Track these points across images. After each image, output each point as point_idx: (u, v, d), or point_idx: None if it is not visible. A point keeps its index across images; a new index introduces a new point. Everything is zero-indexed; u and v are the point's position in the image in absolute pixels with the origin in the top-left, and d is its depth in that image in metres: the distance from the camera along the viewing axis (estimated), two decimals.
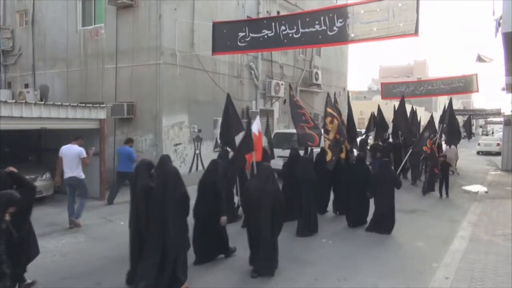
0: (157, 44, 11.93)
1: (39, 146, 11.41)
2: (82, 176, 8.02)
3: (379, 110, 16.29)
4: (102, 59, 13.03)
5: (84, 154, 8.03)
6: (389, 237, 7.94)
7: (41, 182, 9.74)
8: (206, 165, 11.20)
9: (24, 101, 9.19)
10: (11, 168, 4.67)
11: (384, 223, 8.06)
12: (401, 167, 12.02)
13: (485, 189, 13.66)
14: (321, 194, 8.82)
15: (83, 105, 10.13)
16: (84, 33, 13.54)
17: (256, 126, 8.76)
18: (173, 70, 12.16)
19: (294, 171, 8.08)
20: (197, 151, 13.24)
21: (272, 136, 14.54)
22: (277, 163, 13.70)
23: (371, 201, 8.35)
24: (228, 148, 8.83)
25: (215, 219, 5.92)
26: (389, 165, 8.67)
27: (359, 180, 8.41)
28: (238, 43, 9.49)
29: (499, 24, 8.09)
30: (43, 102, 9.32)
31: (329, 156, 8.83)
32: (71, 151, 7.94)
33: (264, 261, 5.67)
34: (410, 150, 12.12)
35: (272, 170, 5.96)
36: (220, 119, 13.83)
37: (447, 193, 12.23)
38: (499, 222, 9.16)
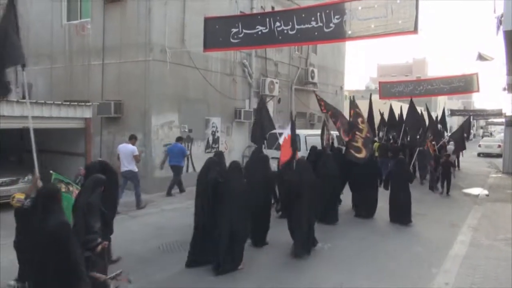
0: (146, 40, 11.89)
1: (21, 147, 11.30)
2: (136, 169, 10.03)
3: (391, 110, 17.32)
4: (88, 56, 12.96)
5: (137, 152, 10.02)
6: (387, 241, 8.00)
7: (23, 184, 9.60)
8: (197, 167, 11.49)
9: (5, 99, 9.10)
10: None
11: (404, 215, 9.35)
12: (411, 165, 12.90)
13: (486, 192, 13.79)
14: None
15: (68, 103, 10.06)
16: (70, 28, 13.45)
17: (287, 131, 9.47)
18: (162, 67, 12.12)
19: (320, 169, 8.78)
20: (188, 152, 13.20)
21: (267, 136, 14.55)
22: (271, 165, 13.74)
23: (380, 196, 9.88)
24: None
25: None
26: (404, 162, 10.19)
27: (369, 175, 9.77)
28: (231, 40, 9.47)
29: (500, 22, 8.17)
30: (25, 100, 9.24)
31: (363, 153, 9.89)
32: (126, 149, 9.93)
33: (301, 243, 6.87)
34: (418, 149, 13.36)
35: (308, 164, 7.49)
36: (212, 119, 14.04)
37: (447, 191, 13.11)
38: (500, 226, 9.25)
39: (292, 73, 18.50)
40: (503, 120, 29.04)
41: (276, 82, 16.60)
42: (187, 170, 13.18)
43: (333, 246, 7.52)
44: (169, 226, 8.72)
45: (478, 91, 17.40)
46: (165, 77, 12.28)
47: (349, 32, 8.30)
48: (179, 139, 11.99)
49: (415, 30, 7.63)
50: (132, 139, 10.18)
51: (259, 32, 9.21)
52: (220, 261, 6.06)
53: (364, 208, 9.84)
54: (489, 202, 12.19)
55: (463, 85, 17.43)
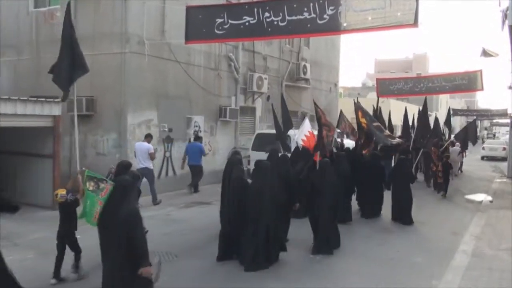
0: (122, 30, 11.82)
1: None
2: (151, 167, 11.20)
3: (406, 113, 18.09)
4: (58, 47, 12.75)
5: (152, 150, 11.18)
6: (384, 251, 8.06)
7: None
8: (178, 170, 11.40)
9: None
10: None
11: (405, 215, 10.21)
12: (414, 166, 13.66)
13: (489, 198, 13.97)
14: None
15: (35, 99, 9.93)
16: (37, 15, 13.28)
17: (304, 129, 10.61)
18: (140, 60, 12.08)
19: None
20: (167, 154, 13.19)
21: (254, 137, 14.61)
22: None
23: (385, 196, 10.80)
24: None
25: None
26: (406, 162, 11.09)
27: (374, 175, 10.61)
28: (216, 31, 9.45)
29: (505, 16, 8.32)
30: None
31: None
32: (142, 147, 11.11)
33: (323, 241, 7.66)
34: (422, 151, 14.09)
35: (330, 164, 8.24)
36: (194, 117, 14.02)
37: (445, 193, 13.91)
38: (504, 235, 9.37)
39: (282, 68, 18.57)
40: (508, 121, 29.49)
41: (265, 78, 16.66)
42: (166, 174, 13.14)
43: (324, 257, 7.55)
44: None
45: (482, 89, 17.64)
46: (143, 71, 12.23)
47: (345, 25, 8.35)
48: (197, 138, 13.32)
49: (415, 23, 7.71)
50: (148, 137, 11.39)
51: (247, 23, 9.20)
52: (251, 258, 6.71)
53: (370, 208, 10.73)
54: (493, 209, 12.33)
55: (466, 83, 17.65)
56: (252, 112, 17.28)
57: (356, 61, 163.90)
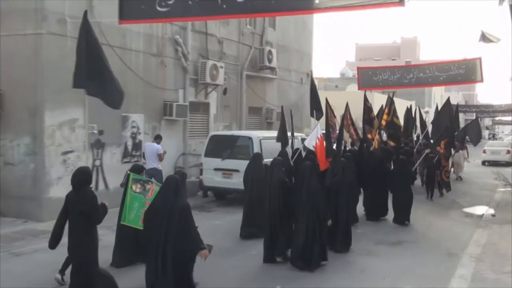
0: (37, 5, 11.60)
1: None
2: (160, 167, 13.17)
3: (409, 111, 19.77)
4: None
5: (161, 151, 13.20)
6: (367, 277, 8.25)
7: None
8: (112, 182, 13.10)
9: None
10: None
11: (403, 215, 12.41)
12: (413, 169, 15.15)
13: (491, 211, 14.42)
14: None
15: None
16: None
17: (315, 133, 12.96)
18: (61, 44, 11.90)
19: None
20: (97, 162, 13.09)
21: (207, 140, 14.61)
22: (213, 179, 13.84)
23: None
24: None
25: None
26: (405, 162, 13.49)
27: (378, 177, 12.82)
28: (157, 8, 9.37)
29: None
30: None
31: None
32: (152, 148, 13.23)
33: (341, 241, 9.70)
34: (424, 154, 15.68)
35: (348, 163, 10.67)
36: (131, 116, 13.98)
37: (431, 195, 16.22)
38: (508, 255, 9.64)
39: (242, 55, 18.65)
40: None
41: (221, 67, 16.67)
42: (95, 188, 12.90)
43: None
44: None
45: (481, 81, 18.25)
46: (65, 58, 11.94)
47: (317, 2, 8.46)
48: (157, 137, 13.84)
49: (401, 2, 7.88)
50: (158, 138, 13.50)
51: None
52: (297, 257, 8.46)
53: (374, 210, 12.87)
54: (495, 224, 12.70)
55: (464, 73, 18.20)
56: (205, 109, 17.24)
57: (333, 47, 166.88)
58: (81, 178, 6.60)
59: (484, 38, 14.98)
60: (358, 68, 20.80)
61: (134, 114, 14.13)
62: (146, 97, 14.50)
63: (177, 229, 6.41)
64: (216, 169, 13.99)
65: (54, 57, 11.84)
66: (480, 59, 17.97)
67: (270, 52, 19.43)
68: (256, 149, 13.50)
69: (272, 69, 20.03)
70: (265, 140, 14.26)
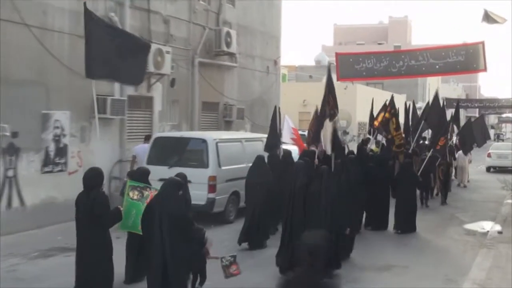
0: None
1: None
2: None
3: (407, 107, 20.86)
4: None
5: None
6: None
7: None
8: (28, 196, 13.15)
9: None
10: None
11: (409, 222, 13.62)
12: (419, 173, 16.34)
13: (498, 227, 14.43)
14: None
15: None
16: None
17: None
18: None
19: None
20: (10, 173, 12.90)
21: (150, 144, 14.73)
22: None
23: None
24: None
25: None
26: (411, 166, 14.84)
27: (380, 183, 13.86)
28: None
29: None
30: None
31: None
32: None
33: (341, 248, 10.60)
34: (428, 155, 17.02)
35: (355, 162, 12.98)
36: (54, 114, 14.02)
37: (426, 202, 17.60)
38: None
39: (194, 37, 18.67)
40: None
41: (167, 52, 16.62)
42: (8, 205, 12.99)
43: None
44: None
45: (485, 70, 18.26)
46: None
47: None
48: (148, 137, 14.98)
49: None
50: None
51: None
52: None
53: (374, 219, 13.96)
54: (502, 243, 12.67)
55: (463, 60, 18.16)
56: (148, 104, 17.12)
57: (306, 28, 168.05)
58: (96, 178, 7.95)
59: (488, 18, 15.01)
60: (337, 54, 20.55)
61: (57, 111, 13.97)
62: (72, 90, 14.27)
63: (171, 235, 7.39)
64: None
65: None
66: (483, 43, 17.94)
67: (228, 34, 19.40)
68: (212, 154, 13.84)
69: (231, 55, 20.08)
70: (223, 144, 14.24)
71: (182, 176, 8.84)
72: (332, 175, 10.72)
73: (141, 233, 7.97)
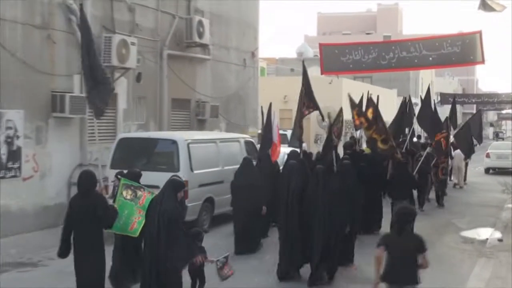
0: None
1: None
2: None
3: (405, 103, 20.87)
4: None
5: None
6: None
7: None
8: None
9: None
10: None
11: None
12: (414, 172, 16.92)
13: (498, 235, 14.52)
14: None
15: None
16: None
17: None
18: None
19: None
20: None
21: (114, 146, 14.92)
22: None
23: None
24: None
25: None
26: (406, 166, 15.47)
27: (372, 183, 14.19)
28: None
29: None
30: None
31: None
32: None
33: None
34: (425, 154, 17.63)
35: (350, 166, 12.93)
36: (6, 113, 14.12)
37: (422, 204, 17.96)
38: None
39: (163, 27, 18.80)
40: None
41: (133, 43, 16.59)
42: None
43: None
44: None
45: (482, 62, 18.27)
46: None
47: None
48: None
49: None
50: None
51: None
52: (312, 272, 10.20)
53: (367, 221, 14.15)
54: (503, 252, 12.78)
55: (459, 51, 18.18)
56: (112, 102, 16.51)
57: (288, 17, 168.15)
58: (91, 180, 8.38)
59: (485, 5, 14.99)
60: (321, 45, 20.53)
61: (10, 110, 13.93)
62: (27, 87, 14.31)
63: (165, 238, 7.96)
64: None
65: None
66: (480, 33, 17.96)
67: (200, 24, 19.38)
68: (183, 157, 13.88)
69: (204, 46, 20.15)
70: (195, 145, 14.31)
71: (176, 180, 9.15)
72: (328, 175, 10.85)
73: (133, 235, 8.56)
